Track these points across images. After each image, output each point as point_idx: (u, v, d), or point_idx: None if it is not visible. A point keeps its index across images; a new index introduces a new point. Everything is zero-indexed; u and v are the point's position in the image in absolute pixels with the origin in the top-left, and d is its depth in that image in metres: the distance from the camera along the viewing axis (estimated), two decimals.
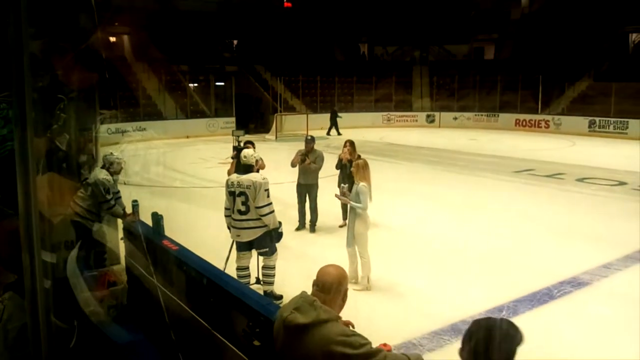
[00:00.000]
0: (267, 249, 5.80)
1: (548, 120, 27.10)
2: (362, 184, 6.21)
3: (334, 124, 25.58)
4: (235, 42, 32.23)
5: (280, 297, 5.95)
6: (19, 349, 2.03)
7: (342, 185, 6.83)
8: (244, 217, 5.64)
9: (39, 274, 1.23)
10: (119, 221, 5.96)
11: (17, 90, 1.15)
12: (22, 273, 1.66)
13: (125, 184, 6.06)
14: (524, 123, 27.92)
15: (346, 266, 6.48)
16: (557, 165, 15.86)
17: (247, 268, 5.99)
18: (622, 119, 24.21)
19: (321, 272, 2.56)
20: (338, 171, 8.68)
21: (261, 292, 5.69)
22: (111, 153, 5.99)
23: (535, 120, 27.63)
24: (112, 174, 5.77)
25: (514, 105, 28.72)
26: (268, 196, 5.64)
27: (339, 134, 24.66)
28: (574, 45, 28.03)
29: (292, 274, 6.43)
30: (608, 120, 24.78)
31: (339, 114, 26.10)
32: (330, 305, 2.42)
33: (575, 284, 6.51)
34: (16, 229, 1.62)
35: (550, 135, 25.41)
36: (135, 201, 5.76)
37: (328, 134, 24.85)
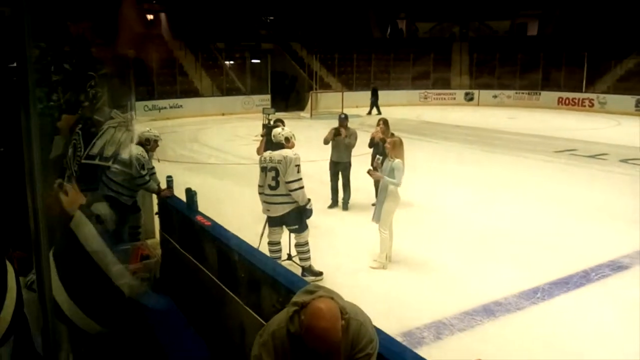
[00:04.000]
0: (296, 226, 5.82)
1: (592, 99, 26.16)
2: (397, 160, 6.15)
3: (374, 102, 25.04)
4: (271, 19, 32.10)
5: (320, 273, 5.99)
6: None
7: (378, 156, 6.78)
8: (274, 192, 5.67)
9: (45, 248, 1.25)
10: (154, 196, 6.08)
11: (20, 68, 1.15)
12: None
13: (159, 161, 6.15)
14: (567, 102, 27.05)
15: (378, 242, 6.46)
16: (600, 146, 15.34)
17: (279, 243, 6.04)
18: None
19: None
20: (371, 150, 8.60)
21: (292, 269, 5.72)
22: (148, 130, 6.09)
23: (579, 99, 26.72)
24: (147, 151, 5.87)
25: (557, 83, 27.85)
26: (299, 172, 5.63)
27: (379, 112, 24.22)
28: (622, 21, 26.79)
29: (324, 252, 6.47)
30: None
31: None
32: None
33: (614, 267, 6.33)
34: (49, 201, 1.65)
35: (594, 114, 24.56)
36: (169, 177, 5.86)
37: (369, 113, 24.33)
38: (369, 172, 6.80)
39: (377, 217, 6.30)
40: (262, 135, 8.24)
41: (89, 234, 1.83)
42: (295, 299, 2.31)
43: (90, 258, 1.81)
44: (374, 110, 24.62)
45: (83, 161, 5.00)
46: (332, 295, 2.24)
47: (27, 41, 1.14)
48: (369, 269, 6.30)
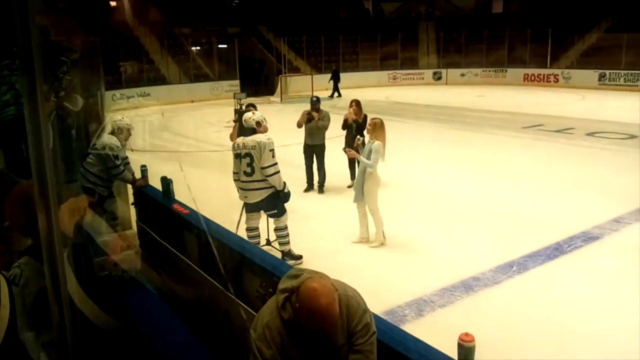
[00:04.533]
0: (275, 211, 5.81)
1: (557, 75, 26.66)
2: (377, 142, 6.17)
3: (336, 84, 25.00)
4: (236, 2, 31.58)
5: (300, 257, 6.01)
6: (35, 314, 2.05)
7: (358, 137, 6.78)
8: (249, 178, 5.64)
9: (57, 236, 1.22)
10: (129, 186, 5.99)
11: (24, 51, 1.11)
12: (37, 237, 1.67)
13: (132, 150, 6.05)
14: (533, 78, 27.51)
15: (356, 223, 6.52)
16: (566, 120, 15.68)
17: (257, 229, 6.02)
18: (633, 71, 23.80)
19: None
20: (344, 132, 8.61)
21: (272, 253, 5.73)
22: (120, 119, 5.96)
23: (544, 75, 27.19)
24: (120, 140, 5.76)
25: (523, 59, 28.24)
26: (273, 156, 5.60)
27: (339, 95, 24.14)
28: None
29: (302, 236, 6.48)
30: (618, 73, 24.35)
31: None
32: None
33: (585, 238, 6.51)
34: (28, 193, 1.61)
35: (559, 89, 25.04)
36: (144, 166, 5.78)
37: (332, 96, 24.30)
38: (344, 149, 6.80)
39: (358, 198, 6.33)
40: (234, 121, 8.15)
41: (99, 224, 1.83)
42: (281, 286, 2.28)
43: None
44: (335, 93, 24.63)
45: (90, 150, 4.93)
46: (319, 275, 2.25)
47: (32, 32, 1.09)
48: (348, 250, 6.36)
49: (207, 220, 4.53)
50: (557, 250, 6.16)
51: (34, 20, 1.09)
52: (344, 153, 6.94)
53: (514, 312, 4.85)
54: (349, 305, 2.25)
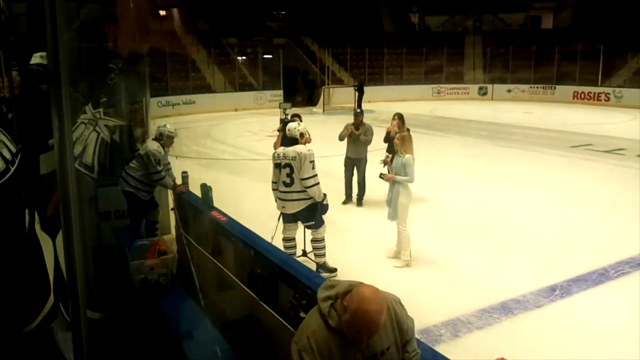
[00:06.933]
0: (312, 222, 5.78)
1: (608, 93, 25.80)
2: (407, 155, 6.09)
3: (360, 98, 24.18)
4: (282, 13, 32.01)
5: (334, 269, 5.96)
6: None
7: (387, 154, 6.72)
8: (288, 189, 5.63)
9: (77, 240, 1.23)
10: (170, 192, 6.09)
11: (52, 44, 1.13)
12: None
13: (176, 158, 6.16)
14: (583, 96, 26.70)
15: (393, 238, 6.43)
16: (617, 140, 15.12)
17: (293, 239, 6.01)
18: None
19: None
20: (386, 145, 8.54)
21: (307, 265, 5.70)
22: (164, 125, 6.09)
23: (594, 93, 26.36)
24: (163, 146, 5.87)
25: (572, 77, 27.46)
26: (313, 168, 5.58)
27: (359, 108, 23.57)
28: (638, 13, 26.37)
29: (337, 248, 6.44)
30: None
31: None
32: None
33: (633, 264, 6.23)
34: None
35: (610, 108, 24.21)
36: (185, 172, 5.87)
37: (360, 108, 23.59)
38: (381, 176, 6.68)
39: (393, 215, 6.25)
40: (278, 130, 8.22)
41: None
42: (322, 294, 2.25)
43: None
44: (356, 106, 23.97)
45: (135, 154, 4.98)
46: (358, 283, 2.22)
47: (61, 39, 1.11)
48: (383, 265, 6.27)
49: (243, 228, 4.56)
50: (603, 276, 5.91)
51: (62, 32, 1.11)
52: (381, 179, 6.79)
53: (555, 338, 4.66)
54: (396, 310, 2.28)
